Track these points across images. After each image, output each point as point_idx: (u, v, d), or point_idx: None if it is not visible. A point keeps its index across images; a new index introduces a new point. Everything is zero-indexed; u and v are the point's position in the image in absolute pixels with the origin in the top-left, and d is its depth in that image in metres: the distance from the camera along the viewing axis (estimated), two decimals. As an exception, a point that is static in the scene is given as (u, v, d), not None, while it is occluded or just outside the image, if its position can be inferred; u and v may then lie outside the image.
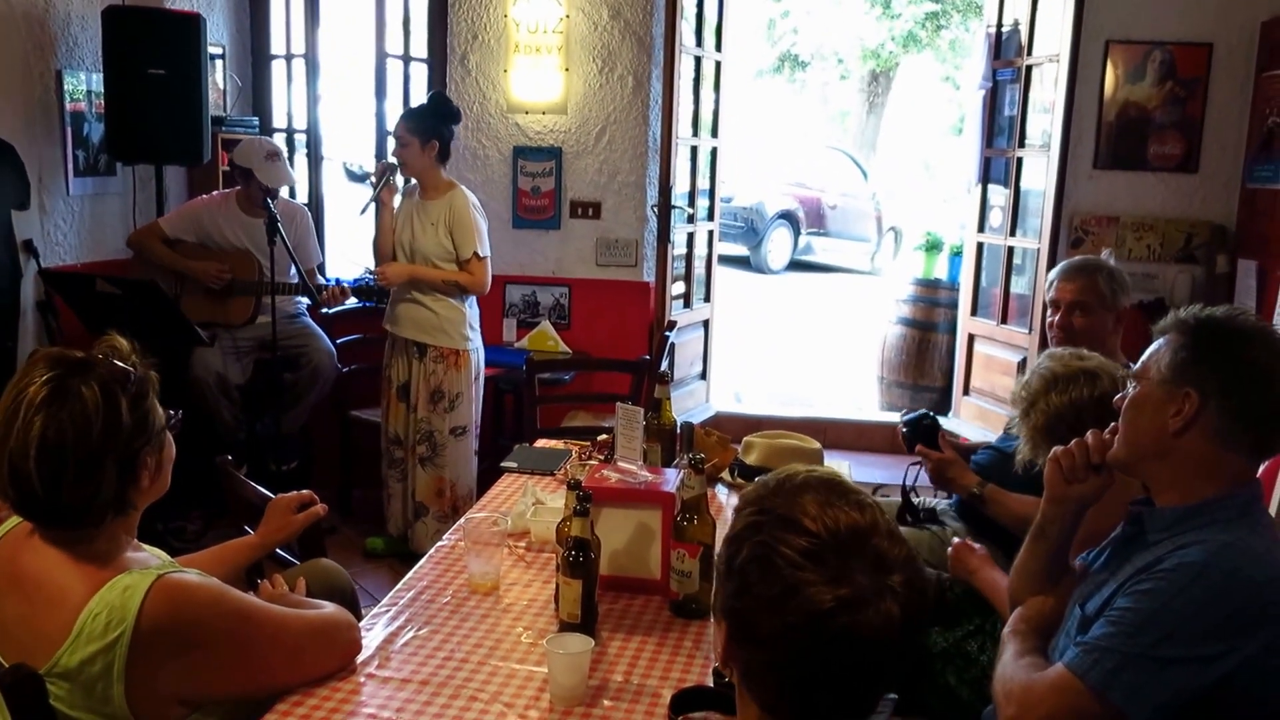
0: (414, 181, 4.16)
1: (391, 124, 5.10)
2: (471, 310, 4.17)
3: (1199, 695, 1.50)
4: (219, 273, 4.35)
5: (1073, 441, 1.80)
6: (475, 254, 4.04)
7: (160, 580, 1.62)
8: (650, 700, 1.83)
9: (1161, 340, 1.71)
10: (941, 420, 6.05)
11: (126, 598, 1.59)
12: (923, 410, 3.14)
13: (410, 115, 4.10)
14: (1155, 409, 1.66)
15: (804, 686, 1.13)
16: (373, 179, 4.22)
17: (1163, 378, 1.66)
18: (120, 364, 1.69)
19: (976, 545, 2.38)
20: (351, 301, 4.51)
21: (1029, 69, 5.20)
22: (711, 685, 1.84)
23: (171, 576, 1.64)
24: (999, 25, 5.42)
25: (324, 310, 4.65)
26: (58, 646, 1.59)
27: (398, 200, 4.21)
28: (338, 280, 4.46)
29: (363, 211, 4.30)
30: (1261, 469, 2.06)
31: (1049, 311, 3.10)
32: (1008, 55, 5.41)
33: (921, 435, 2.98)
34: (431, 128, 4.01)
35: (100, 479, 1.62)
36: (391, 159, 4.16)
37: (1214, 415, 1.61)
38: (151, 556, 1.78)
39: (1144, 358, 1.73)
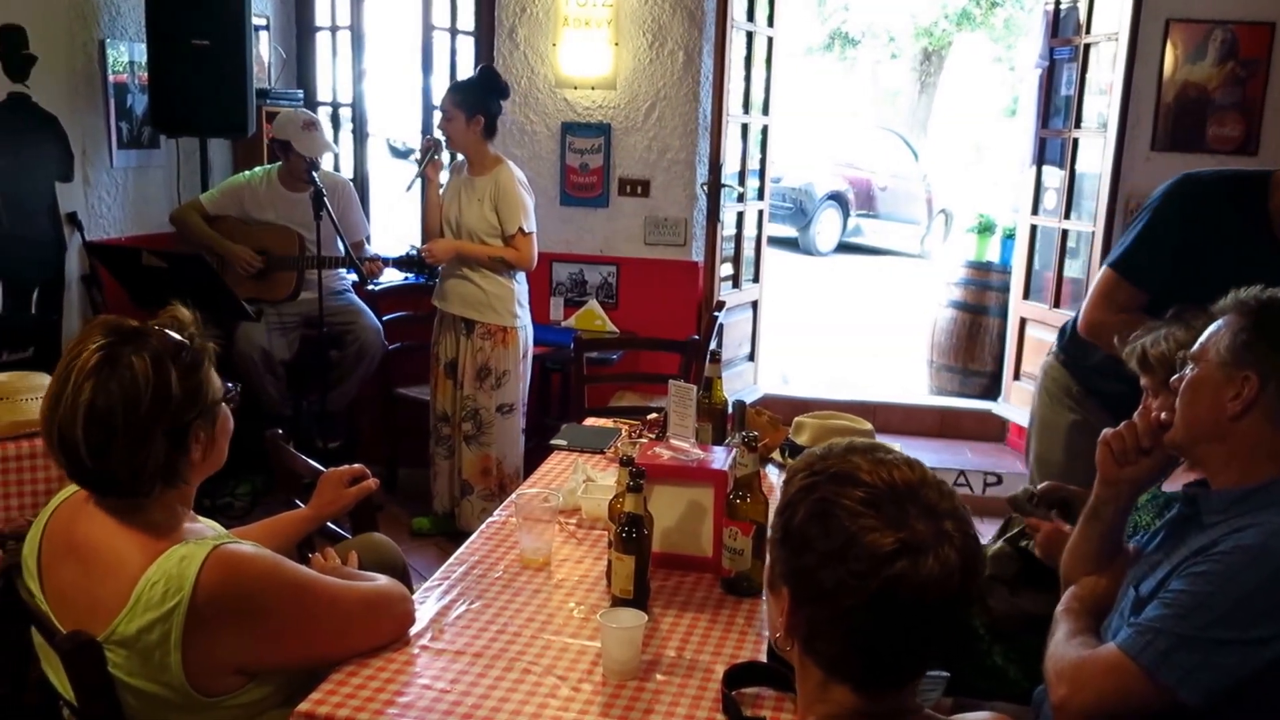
0: (461, 157, 4.15)
1: (438, 99, 5.11)
2: (520, 288, 4.15)
3: (1251, 677, 1.51)
4: (251, 260, 4.35)
5: (1123, 424, 1.82)
6: (520, 229, 4.01)
7: (216, 550, 1.62)
8: (703, 675, 1.82)
9: (1220, 322, 1.70)
10: (991, 406, 5.87)
11: (184, 567, 1.59)
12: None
13: (456, 89, 4.07)
14: (1214, 391, 1.65)
15: (870, 638, 1.13)
16: (417, 155, 4.20)
17: (1222, 360, 1.65)
18: (175, 335, 1.68)
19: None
20: (398, 276, 4.49)
21: (1087, 48, 5.08)
22: (765, 662, 1.83)
23: (228, 547, 1.65)
24: (1057, 2, 5.30)
25: (369, 286, 4.66)
26: (115, 614, 1.60)
27: (444, 176, 4.20)
28: (375, 256, 4.45)
29: (409, 188, 4.30)
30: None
31: None
32: (1065, 33, 5.29)
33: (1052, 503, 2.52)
34: (477, 102, 3.98)
35: (148, 450, 1.62)
36: (437, 134, 4.15)
37: (1274, 398, 1.61)
38: (207, 528, 1.79)
39: (1202, 339, 1.72)
